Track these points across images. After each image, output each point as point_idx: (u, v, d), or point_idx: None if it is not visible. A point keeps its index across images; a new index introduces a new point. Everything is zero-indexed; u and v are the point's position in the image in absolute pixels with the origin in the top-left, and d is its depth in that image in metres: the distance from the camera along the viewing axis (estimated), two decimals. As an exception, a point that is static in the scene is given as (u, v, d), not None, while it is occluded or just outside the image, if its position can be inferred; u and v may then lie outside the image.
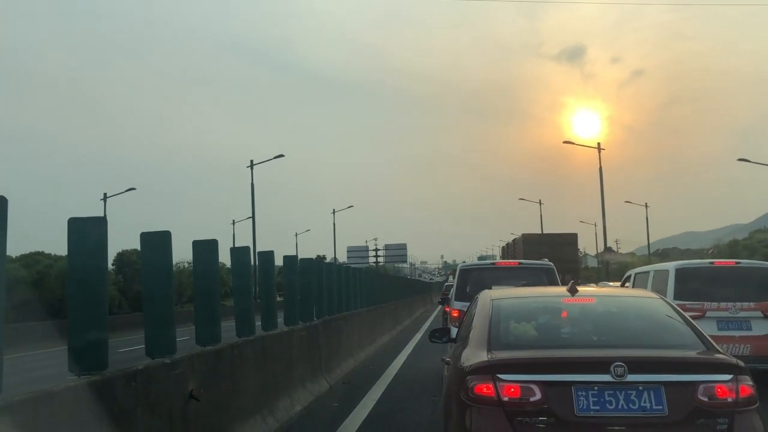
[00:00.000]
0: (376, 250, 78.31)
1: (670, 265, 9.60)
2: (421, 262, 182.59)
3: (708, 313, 8.59)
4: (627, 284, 11.02)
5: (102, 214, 35.95)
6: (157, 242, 5.01)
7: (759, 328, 8.56)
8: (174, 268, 5.51)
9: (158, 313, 4.98)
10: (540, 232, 52.40)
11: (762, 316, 8.59)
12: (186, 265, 38.16)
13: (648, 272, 10.29)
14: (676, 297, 8.65)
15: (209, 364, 5.47)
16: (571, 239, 39.28)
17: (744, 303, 8.64)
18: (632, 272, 11.18)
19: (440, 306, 22.94)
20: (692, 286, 8.97)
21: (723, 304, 8.65)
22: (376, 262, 77.17)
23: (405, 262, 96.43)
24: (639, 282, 10.42)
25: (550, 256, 13.62)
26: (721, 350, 4.06)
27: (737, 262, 9.75)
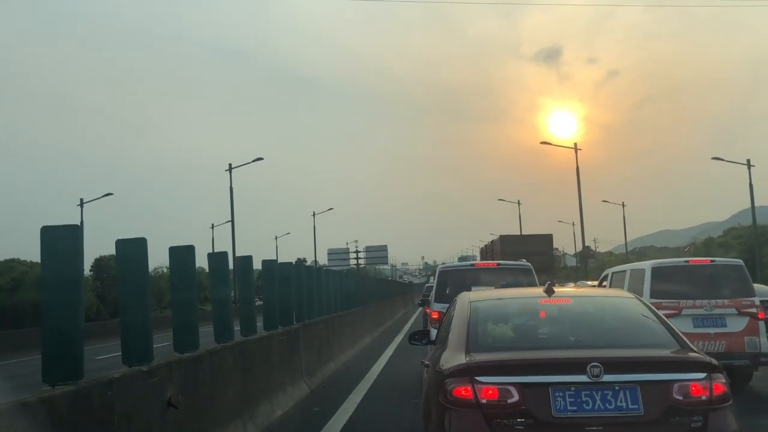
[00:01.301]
0: (357, 252, 78.34)
1: (646, 264, 9.69)
2: (402, 264, 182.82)
3: (684, 311, 8.69)
4: (604, 283, 11.11)
5: (79, 220, 35.61)
6: (132, 249, 4.95)
7: (733, 325, 8.69)
8: (152, 274, 5.47)
9: (135, 321, 4.92)
10: (519, 232, 52.92)
11: (736, 312, 8.72)
12: (164, 270, 37.88)
13: (624, 271, 10.39)
14: (653, 295, 8.74)
15: (188, 370, 5.42)
16: (547, 240, 40.10)
17: (718, 300, 8.76)
18: (609, 271, 11.29)
19: (421, 307, 22.98)
20: (668, 285, 9.07)
21: (698, 302, 8.76)
22: (357, 264, 77.15)
23: (386, 263, 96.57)
24: (616, 281, 10.51)
25: (527, 256, 13.71)
26: (695, 349, 4.11)
27: (712, 260, 9.90)
